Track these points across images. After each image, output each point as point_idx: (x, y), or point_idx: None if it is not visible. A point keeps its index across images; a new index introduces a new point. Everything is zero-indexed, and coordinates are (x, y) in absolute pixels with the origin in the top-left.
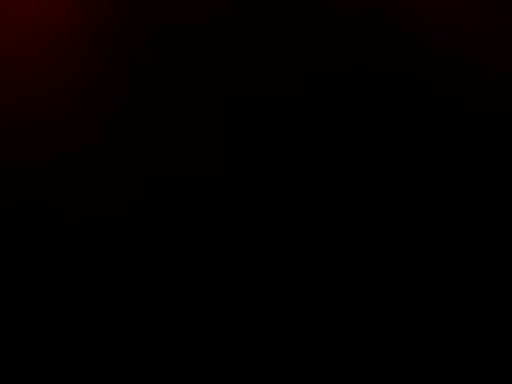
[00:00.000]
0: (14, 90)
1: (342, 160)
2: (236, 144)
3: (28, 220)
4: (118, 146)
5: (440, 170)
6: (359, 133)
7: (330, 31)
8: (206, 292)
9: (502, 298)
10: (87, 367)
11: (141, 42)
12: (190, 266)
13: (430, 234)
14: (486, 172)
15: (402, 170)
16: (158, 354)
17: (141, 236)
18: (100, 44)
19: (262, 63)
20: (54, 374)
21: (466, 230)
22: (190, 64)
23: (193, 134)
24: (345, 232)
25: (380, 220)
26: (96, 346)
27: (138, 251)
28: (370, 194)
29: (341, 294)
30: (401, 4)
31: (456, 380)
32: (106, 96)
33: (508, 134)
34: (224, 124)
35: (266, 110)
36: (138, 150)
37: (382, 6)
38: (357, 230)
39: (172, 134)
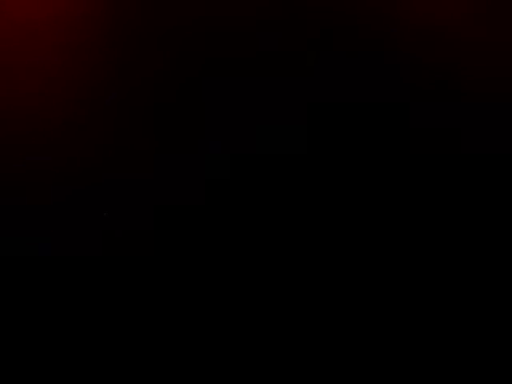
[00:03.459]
0: (14, 91)
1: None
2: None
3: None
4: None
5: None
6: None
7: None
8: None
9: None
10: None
11: (143, 43)
12: (189, 288)
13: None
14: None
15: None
16: (154, 375)
17: (140, 261)
18: (102, 45)
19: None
20: None
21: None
22: (193, 64)
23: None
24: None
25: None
26: (94, 367)
27: (137, 277)
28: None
29: (338, 297)
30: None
31: (456, 380)
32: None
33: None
34: (225, 139)
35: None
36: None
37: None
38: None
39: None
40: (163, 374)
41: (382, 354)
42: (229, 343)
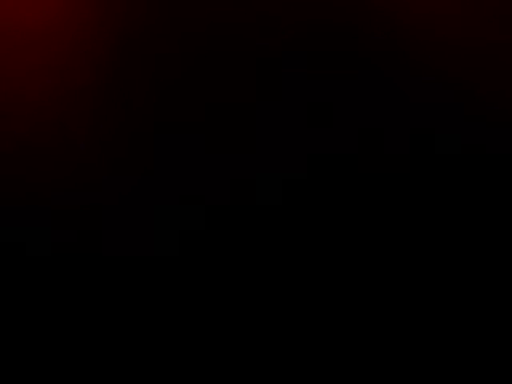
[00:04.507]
0: (13, 93)
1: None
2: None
3: (30, 242)
4: (124, 157)
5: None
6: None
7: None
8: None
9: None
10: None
11: (143, 45)
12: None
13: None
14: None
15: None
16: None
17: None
18: (101, 46)
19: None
20: None
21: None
22: (194, 66)
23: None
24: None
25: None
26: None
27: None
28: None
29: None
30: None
31: (456, 380)
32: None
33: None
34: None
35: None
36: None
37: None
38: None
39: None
40: (167, 373)
41: (381, 355)
42: (228, 344)
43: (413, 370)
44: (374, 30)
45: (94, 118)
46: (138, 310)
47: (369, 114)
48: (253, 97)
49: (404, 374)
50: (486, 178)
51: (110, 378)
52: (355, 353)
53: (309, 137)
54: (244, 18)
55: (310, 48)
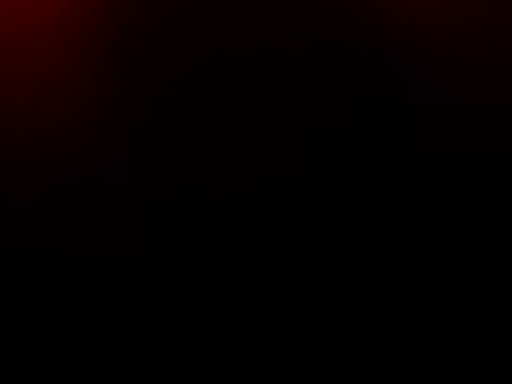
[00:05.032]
0: (13, 93)
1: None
2: (237, 162)
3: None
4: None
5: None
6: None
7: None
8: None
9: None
10: None
11: (142, 46)
12: (190, 291)
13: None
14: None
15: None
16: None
17: (141, 266)
18: (100, 47)
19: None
20: None
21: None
22: (194, 66)
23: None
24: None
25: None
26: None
27: (139, 282)
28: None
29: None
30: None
31: (456, 380)
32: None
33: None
34: (226, 142)
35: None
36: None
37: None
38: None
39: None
40: (162, 374)
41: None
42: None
43: (412, 370)
44: (374, 30)
45: (94, 118)
46: (138, 309)
47: (368, 114)
48: (253, 97)
49: (404, 373)
50: (485, 178)
51: (111, 377)
52: (355, 353)
53: (309, 136)
54: (244, 17)
55: (310, 48)
